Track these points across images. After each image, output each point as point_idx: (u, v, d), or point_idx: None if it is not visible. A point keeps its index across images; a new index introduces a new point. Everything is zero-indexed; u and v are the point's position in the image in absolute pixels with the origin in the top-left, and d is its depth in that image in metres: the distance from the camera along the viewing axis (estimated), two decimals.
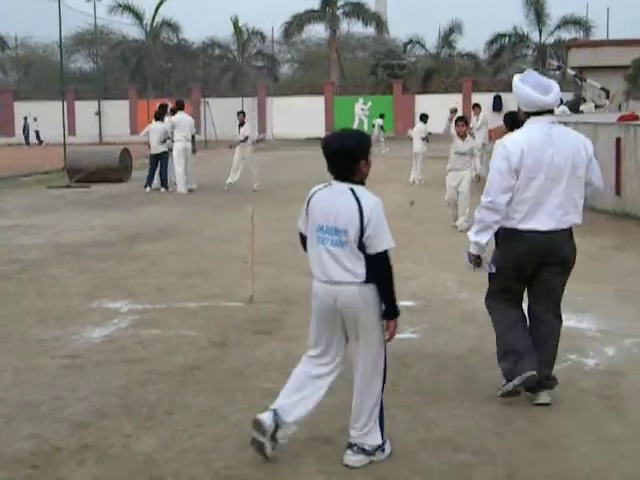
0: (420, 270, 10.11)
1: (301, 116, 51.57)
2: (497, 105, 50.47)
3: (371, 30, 61.04)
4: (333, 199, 4.68)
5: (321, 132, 51.30)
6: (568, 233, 5.53)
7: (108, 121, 53.81)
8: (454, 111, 18.00)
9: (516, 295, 5.68)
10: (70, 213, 16.57)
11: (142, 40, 60.67)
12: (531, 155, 5.37)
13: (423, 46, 59.94)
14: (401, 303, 8.27)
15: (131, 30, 60.64)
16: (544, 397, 5.57)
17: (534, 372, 5.43)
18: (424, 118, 22.36)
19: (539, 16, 55.45)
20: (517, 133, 5.60)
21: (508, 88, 52.76)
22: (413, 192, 19.56)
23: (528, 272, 5.53)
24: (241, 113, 21.24)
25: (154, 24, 60.20)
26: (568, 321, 7.61)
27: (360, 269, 4.57)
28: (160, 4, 58.99)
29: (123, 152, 23.80)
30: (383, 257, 4.57)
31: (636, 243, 11.85)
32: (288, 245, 12.06)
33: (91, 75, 60.22)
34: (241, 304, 8.41)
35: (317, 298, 4.82)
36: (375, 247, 4.54)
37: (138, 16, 59.62)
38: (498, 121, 47.82)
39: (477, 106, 23.72)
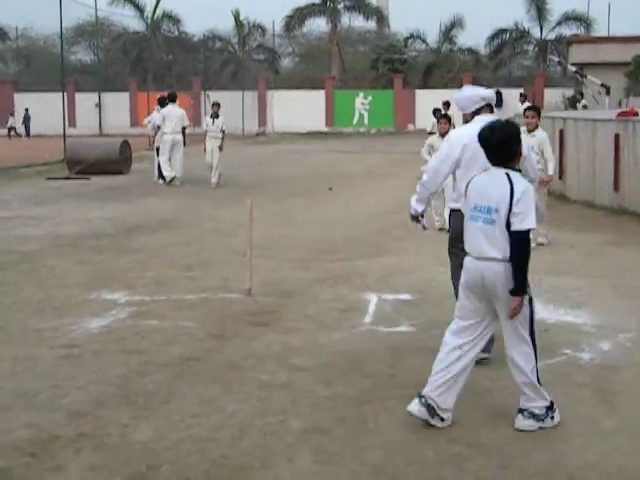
0: (418, 263, 10.14)
1: (301, 110, 51.50)
2: (498, 101, 50.46)
3: (372, 24, 60.98)
4: (489, 181, 5.15)
5: (321, 126, 51.36)
6: None
7: (108, 113, 53.74)
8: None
9: (457, 263, 6.24)
10: (69, 204, 16.59)
11: (143, 32, 60.57)
12: (471, 148, 6.01)
13: (424, 41, 59.88)
14: (399, 296, 8.42)
15: (132, 22, 60.56)
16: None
17: None
18: (436, 112, 22.47)
19: (540, 12, 55.36)
20: (463, 128, 6.38)
21: (509, 84, 52.87)
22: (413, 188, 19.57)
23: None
24: (215, 105, 20.98)
25: (155, 16, 60.10)
26: (565, 316, 7.70)
27: (507, 247, 5.00)
28: None
29: (123, 144, 23.80)
30: (525, 235, 5.00)
31: (634, 239, 11.87)
32: (286, 238, 12.13)
33: (91, 67, 60.11)
34: (239, 296, 8.44)
35: (467, 273, 5.22)
36: (518, 224, 4.96)
37: (139, 8, 59.53)
38: (498, 117, 46.91)
39: (447, 104, 23.73)
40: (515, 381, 5.22)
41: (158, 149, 20.64)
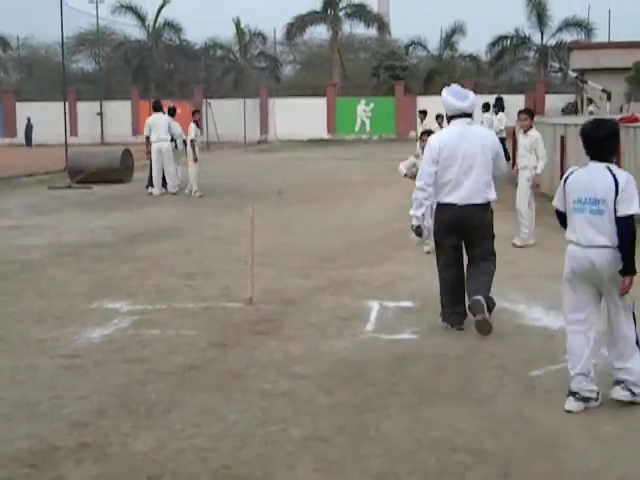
0: (420, 271, 10.11)
1: (303, 117, 51.52)
2: (499, 107, 50.46)
3: (373, 31, 61.04)
4: (591, 175, 5.56)
5: (323, 133, 51.41)
6: (482, 207, 7.28)
7: (110, 122, 53.83)
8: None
9: (449, 250, 7.44)
10: (71, 213, 16.60)
11: (144, 41, 60.67)
12: (447, 149, 7.15)
13: (425, 47, 59.94)
14: (400, 304, 8.40)
15: (133, 31, 60.64)
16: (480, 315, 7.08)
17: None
18: (438, 118, 22.68)
19: (541, 18, 55.39)
20: (441, 132, 7.59)
21: (510, 90, 52.89)
22: None
23: (455, 233, 7.34)
24: (196, 112, 20.90)
25: (156, 25, 60.20)
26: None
27: (614, 235, 5.39)
28: (162, 5, 59.01)
29: (124, 153, 23.82)
30: (630, 220, 5.37)
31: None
32: (287, 246, 12.13)
33: (93, 75, 60.18)
34: (241, 305, 8.43)
35: (575, 260, 5.57)
36: (625, 210, 5.36)
37: (140, 17, 59.63)
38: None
39: (423, 112, 24.14)
40: (614, 357, 5.66)
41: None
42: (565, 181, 5.73)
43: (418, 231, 7.54)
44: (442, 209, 7.36)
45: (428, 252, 11.09)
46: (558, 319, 7.75)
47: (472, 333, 7.31)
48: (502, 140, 22.73)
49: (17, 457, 4.80)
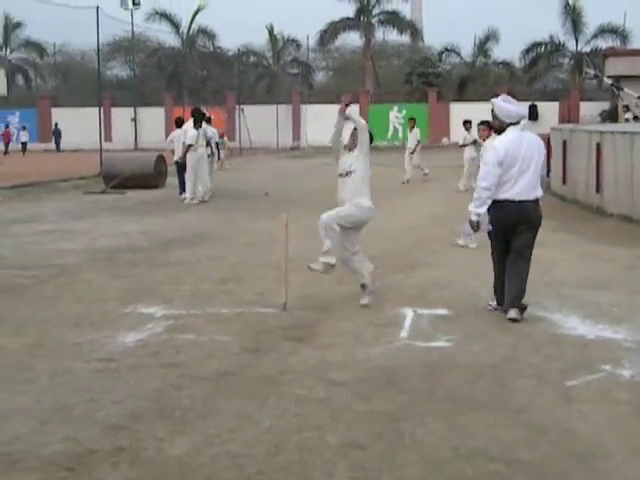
0: (454, 278, 10.08)
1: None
2: (533, 114, 50.21)
3: (406, 38, 61.07)
4: None
5: None
6: (535, 202, 8.11)
7: (144, 128, 54.27)
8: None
9: (503, 243, 8.18)
10: (105, 218, 16.73)
11: (178, 48, 61.15)
12: (510, 152, 7.93)
13: (458, 54, 59.82)
14: (435, 311, 8.37)
15: (167, 38, 61.19)
16: (513, 313, 7.91)
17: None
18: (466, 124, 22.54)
19: (576, 25, 55.09)
20: (502, 137, 8.07)
21: (544, 97, 52.60)
22: (454, 199, 19.52)
23: (509, 227, 8.05)
24: (178, 118, 20.88)
25: (190, 32, 60.67)
26: (604, 331, 7.59)
27: None
28: (197, 12, 59.50)
29: (158, 158, 23.99)
30: None
31: None
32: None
33: (128, 82, 60.74)
34: (275, 311, 8.43)
35: None
36: None
37: (175, 24, 60.13)
38: (532, 131, 46.70)
39: (468, 122, 23.94)
40: None
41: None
42: None
43: (476, 226, 8.13)
44: (500, 205, 8.02)
45: (472, 247, 11.43)
46: (595, 328, 7.71)
47: (507, 342, 7.26)
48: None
49: (53, 460, 4.82)
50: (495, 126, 8.33)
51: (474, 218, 8.10)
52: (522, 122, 8.18)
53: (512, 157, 7.94)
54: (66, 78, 67.30)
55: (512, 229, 8.09)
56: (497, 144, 8.07)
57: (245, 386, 6.15)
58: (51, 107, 57.39)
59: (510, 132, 8.07)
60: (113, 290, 9.62)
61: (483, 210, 8.02)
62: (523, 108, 8.26)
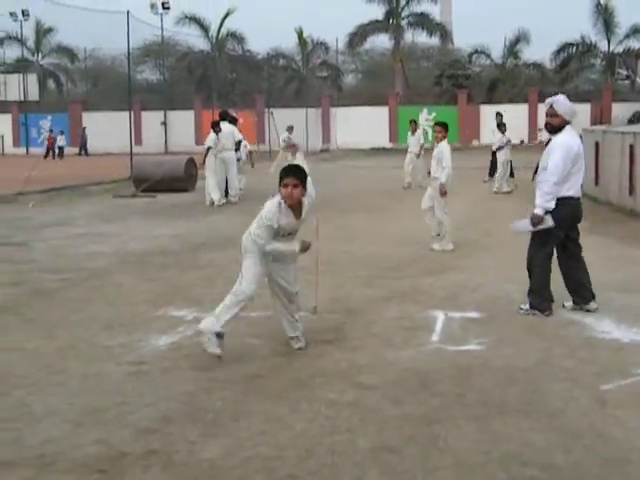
0: (485, 281, 10.01)
1: (365, 126, 51.59)
2: None
3: (435, 40, 60.90)
4: None
5: (385, 142, 51.35)
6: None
7: (173, 131, 54.54)
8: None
9: (557, 240, 8.30)
10: (136, 222, 16.81)
11: (207, 51, 61.41)
12: (578, 150, 8.22)
13: (488, 56, 59.55)
14: (466, 314, 8.31)
15: (197, 41, 61.49)
16: (594, 305, 8.32)
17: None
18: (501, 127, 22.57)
19: (608, 25, 54.63)
20: (567, 135, 8.23)
21: (575, 98, 52.13)
22: (485, 201, 19.41)
23: (568, 224, 8.30)
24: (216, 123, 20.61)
25: (219, 35, 60.92)
26: (638, 335, 7.50)
27: None
28: (226, 16, 59.71)
29: (188, 162, 24.07)
30: None
31: None
32: (350, 255, 12.09)
33: (157, 86, 61.06)
34: (304, 314, 8.38)
35: None
36: None
37: (204, 27, 60.39)
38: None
39: (414, 122, 24.00)
40: None
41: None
42: None
43: (539, 222, 8.16)
44: (565, 202, 8.18)
45: (449, 249, 12.21)
46: (629, 332, 7.62)
47: (540, 345, 7.19)
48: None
49: (86, 463, 4.84)
50: (554, 123, 8.29)
51: (540, 212, 8.13)
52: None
53: (577, 155, 8.21)
54: (97, 82, 67.85)
55: (571, 225, 8.38)
56: (567, 142, 8.18)
57: (276, 389, 6.14)
58: (82, 111, 57.84)
59: (571, 130, 8.32)
60: (144, 293, 9.66)
61: (552, 205, 8.10)
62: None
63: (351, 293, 9.48)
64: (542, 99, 54.18)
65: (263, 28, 75.13)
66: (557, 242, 8.33)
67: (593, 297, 8.38)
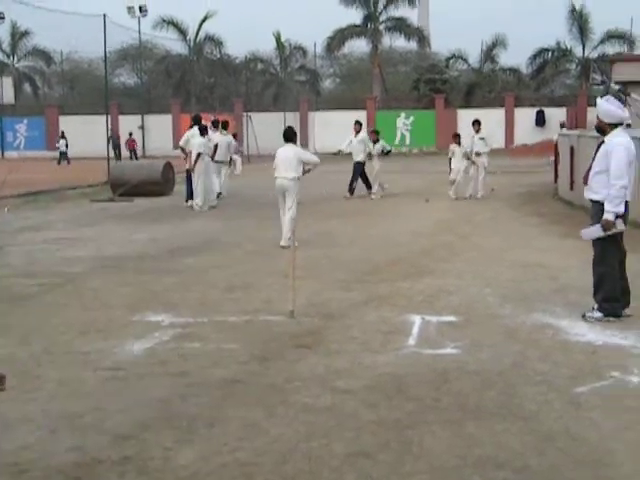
0: (462, 285, 10.05)
1: (343, 130, 51.50)
2: (540, 120, 50.16)
3: (413, 45, 61.08)
4: None
5: None
6: None
7: (151, 135, 54.34)
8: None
9: (620, 245, 8.32)
10: (113, 226, 16.75)
11: (185, 55, 61.25)
12: (631, 151, 8.18)
13: (465, 61, 59.79)
14: (443, 318, 8.34)
15: (175, 45, 61.26)
16: (629, 310, 8.29)
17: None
18: (474, 125, 22.32)
19: (582, 30, 55.03)
20: (620, 137, 8.19)
21: (551, 103, 52.50)
22: (461, 207, 19.50)
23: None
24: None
25: (197, 39, 60.78)
26: (612, 338, 7.56)
27: None
28: (204, 20, 59.58)
29: (166, 166, 24.01)
30: None
31: None
32: (329, 259, 12.10)
33: (135, 89, 60.80)
34: (282, 318, 8.41)
35: None
36: None
37: (182, 31, 60.22)
38: (539, 136, 47.42)
39: (358, 123, 23.25)
40: None
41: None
42: None
43: (610, 224, 8.07)
44: (626, 205, 8.14)
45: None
46: (603, 334, 7.68)
47: (515, 349, 7.24)
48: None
49: (61, 470, 4.82)
50: (599, 126, 8.41)
51: (612, 217, 8.04)
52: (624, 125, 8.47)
53: (633, 157, 8.21)
54: (73, 86, 67.48)
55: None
56: (624, 144, 8.15)
57: (253, 394, 6.14)
58: (58, 115, 57.51)
59: (623, 133, 8.27)
60: (120, 298, 9.62)
61: (622, 209, 8.04)
62: (624, 112, 8.35)
63: (329, 297, 9.49)
64: (518, 104, 54.31)
65: (241, 32, 74.97)
66: (619, 246, 8.30)
67: (628, 303, 8.36)
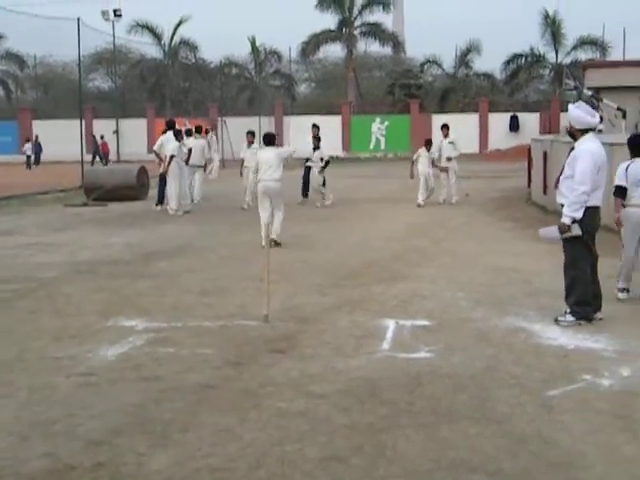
0: (436, 289, 10.09)
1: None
2: (514, 125, 50.45)
3: (388, 50, 61.21)
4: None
5: (338, 151, 51.43)
6: None
7: (126, 139, 54.09)
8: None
9: (590, 248, 8.33)
10: (87, 231, 16.66)
11: (160, 59, 61.05)
12: (600, 157, 8.21)
13: (440, 66, 60.02)
14: (416, 322, 8.37)
15: (150, 49, 60.98)
16: (600, 314, 8.39)
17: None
18: (442, 129, 22.21)
19: (555, 36, 55.42)
20: (589, 143, 8.25)
21: (525, 108, 52.83)
22: (435, 212, 19.57)
23: (595, 233, 8.41)
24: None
25: (172, 43, 60.56)
26: (584, 341, 7.62)
27: None
28: (179, 24, 59.38)
29: (140, 170, 23.92)
30: None
31: None
32: (304, 263, 12.11)
33: (109, 94, 60.46)
34: (256, 323, 8.41)
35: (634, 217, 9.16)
36: None
37: (157, 35, 60.00)
38: (513, 142, 47.80)
39: (315, 126, 22.57)
40: None
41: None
42: (627, 169, 9.19)
43: (567, 230, 8.17)
44: (592, 212, 8.21)
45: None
46: (575, 338, 7.74)
47: (488, 352, 7.28)
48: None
49: (33, 477, 4.79)
50: (570, 130, 8.48)
51: (568, 221, 8.12)
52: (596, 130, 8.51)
53: (602, 164, 8.25)
54: (47, 90, 66.98)
55: (594, 235, 8.44)
56: (593, 149, 8.20)
57: (226, 399, 6.13)
58: (32, 119, 57.11)
59: (592, 139, 8.34)
60: (94, 303, 9.58)
61: (579, 215, 8.07)
62: (593, 118, 8.34)
63: (304, 302, 9.50)
64: (492, 109, 54.51)
65: (216, 36, 74.82)
66: (590, 250, 8.34)
67: (600, 307, 8.44)
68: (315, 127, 21.77)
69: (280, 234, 13.78)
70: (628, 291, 9.47)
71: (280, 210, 14.02)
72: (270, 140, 14.39)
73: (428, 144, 21.48)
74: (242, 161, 21.17)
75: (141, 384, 6.50)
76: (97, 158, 48.13)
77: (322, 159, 21.22)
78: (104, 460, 5.01)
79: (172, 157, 19.44)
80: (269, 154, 14.08)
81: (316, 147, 21.51)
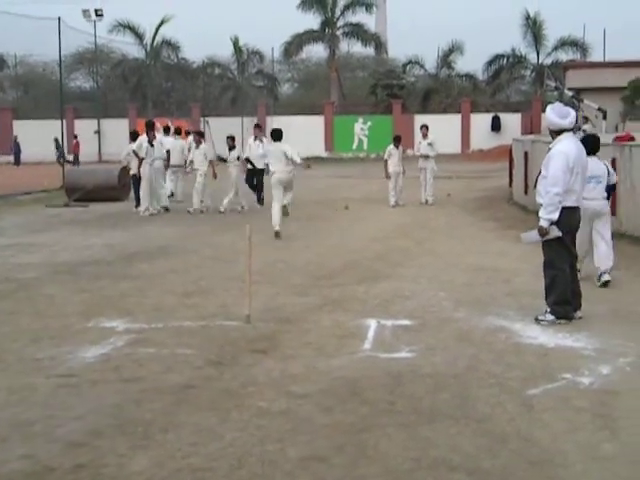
0: (417, 289, 10.11)
1: (301, 135, 51.57)
2: (495, 126, 50.60)
3: (370, 50, 61.28)
4: (594, 163, 9.82)
5: (321, 151, 51.47)
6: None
7: (107, 140, 53.88)
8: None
9: (569, 248, 8.39)
10: (68, 232, 16.58)
11: (142, 59, 60.83)
12: (576, 159, 8.20)
13: (422, 66, 60.09)
14: (398, 322, 8.38)
15: (131, 49, 60.69)
16: (580, 313, 8.46)
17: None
18: (422, 129, 22.16)
19: (536, 37, 55.65)
20: (563, 144, 8.25)
21: (506, 109, 52.99)
22: (417, 213, 19.61)
23: (573, 232, 8.46)
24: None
25: (154, 43, 60.34)
26: (564, 340, 7.66)
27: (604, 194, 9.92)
28: (161, 24, 59.16)
29: (122, 171, 23.81)
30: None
31: (630, 262, 11.85)
32: (285, 264, 12.11)
33: (91, 94, 60.22)
34: (238, 323, 8.40)
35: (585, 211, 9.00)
36: (612, 182, 10.28)
37: (138, 35, 59.76)
38: (495, 142, 47.99)
39: (258, 126, 22.12)
40: None
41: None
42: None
43: (547, 232, 8.21)
44: (569, 212, 8.23)
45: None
46: (555, 337, 7.78)
47: (469, 352, 7.30)
48: None
49: (12, 479, 4.76)
50: (549, 131, 8.58)
51: (545, 224, 8.17)
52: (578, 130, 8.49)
53: (576, 164, 8.22)
54: (28, 90, 66.60)
55: (574, 234, 8.51)
56: (566, 150, 8.21)
57: (207, 399, 6.12)
58: (12, 119, 56.78)
59: (569, 140, 8.34)
60: (75, 304, 9.54)
61: (556, 216, 8.12)
62: (569, 120, 8.35)
63: (285, 302, 9.50)
64: (474, 109, 54.59)
65: (198, 36, 74.77)
66: (569, 250, 8.40)
67: (579, 306, 8.50)
68: (257, 127, 22.98)
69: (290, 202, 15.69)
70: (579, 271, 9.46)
71: (291, 192, 15.89)
72: (278, 136, 15.53)
73: (397, 141, 21.45)
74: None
75: (121, 385, 6.48)
76: (62, 159, 47.92)
77: (238, 158, 21.07)
78: (84, 461, 4.99)
79: (142, 159, 19.43)
80: (278, 151, 15.28)
81: (232, 147, 21.33)
